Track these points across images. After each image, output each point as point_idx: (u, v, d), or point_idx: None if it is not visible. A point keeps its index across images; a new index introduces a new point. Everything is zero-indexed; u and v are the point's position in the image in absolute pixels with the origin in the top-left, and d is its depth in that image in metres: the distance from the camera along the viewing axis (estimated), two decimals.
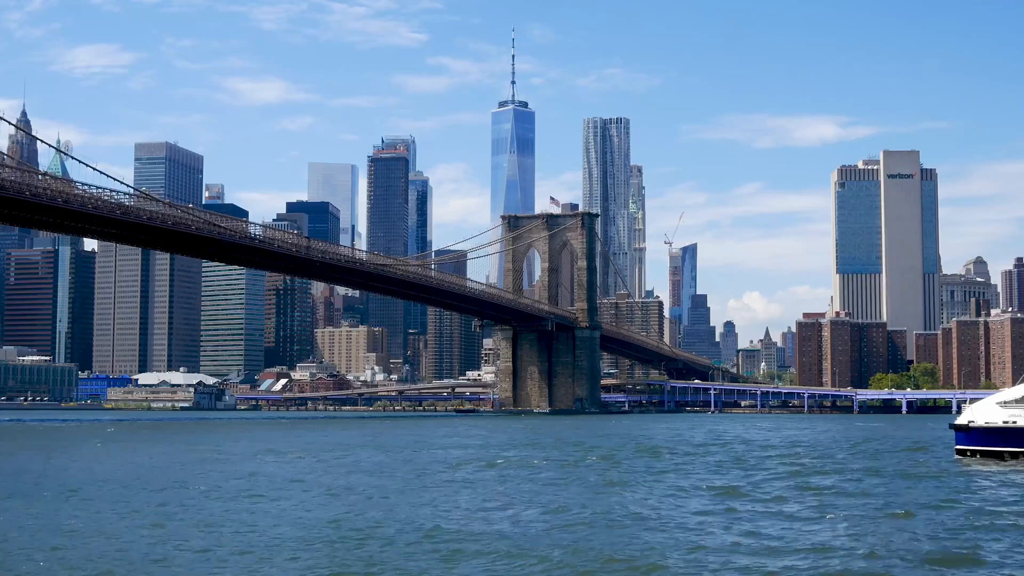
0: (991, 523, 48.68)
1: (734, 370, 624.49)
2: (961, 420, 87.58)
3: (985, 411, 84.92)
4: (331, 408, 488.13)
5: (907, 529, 47.21)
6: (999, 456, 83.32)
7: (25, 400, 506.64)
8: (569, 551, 40.68)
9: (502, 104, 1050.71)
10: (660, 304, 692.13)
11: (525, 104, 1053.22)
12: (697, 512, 52.88)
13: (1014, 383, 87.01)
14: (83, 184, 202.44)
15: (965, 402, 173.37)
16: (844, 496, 62.12)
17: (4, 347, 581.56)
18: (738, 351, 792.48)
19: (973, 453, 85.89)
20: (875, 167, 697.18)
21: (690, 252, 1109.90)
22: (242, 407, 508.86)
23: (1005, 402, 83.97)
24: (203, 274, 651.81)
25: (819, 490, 64.63)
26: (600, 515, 51.44)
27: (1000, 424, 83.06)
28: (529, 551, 40.67)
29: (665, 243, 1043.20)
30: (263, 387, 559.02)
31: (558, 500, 58.56)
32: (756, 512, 53.07)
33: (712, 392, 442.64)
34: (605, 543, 42.47)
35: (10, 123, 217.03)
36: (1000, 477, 72.15)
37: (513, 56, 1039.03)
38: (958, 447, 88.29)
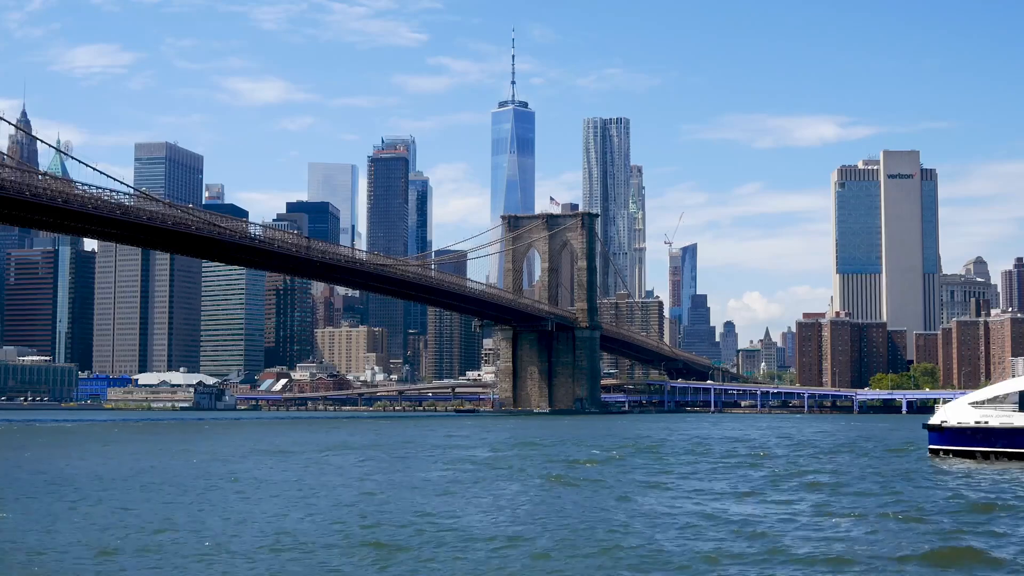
0: (949, 523, 48.94)
1: (734, 370, 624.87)
2: (934, 420, 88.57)
3: (958, 411, 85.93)
4: (331, 408, 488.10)
5: (872, 528, 47.43)
6: (971, 456, 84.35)
7: (25, 400, 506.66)
8: (572, 552, 40.72)
9: (502, 104, 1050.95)
10: (660, 304, 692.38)
11: (525, 104, 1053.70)
12: (676, 511, 52.94)
13: None
14: (83, 184, 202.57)
15: (937, 401, 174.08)
16: (805, 493, 62.70)
17: (4, 347, 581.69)
18: (738, 351, 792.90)
19: (946, 453, 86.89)
20: (875, 167, 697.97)
21: (690, 252, 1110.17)
22: (242, 407, 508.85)
23: (977, 402, 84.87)
24: (203, 274, 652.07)
25: (794, 487, 65.01)
26: (598, 514, 51.49)
27: (972, 424, 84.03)
28: (532, 552, 40.69)
29: (665, 243, 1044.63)
30: (263, 387, 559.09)
31: (560, 499, 58.61)
32: (745, 511, 53.18)
33: (712, 392, 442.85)
34: (603, 542, 42.50)
35: (10, 123, 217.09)
36: (967, 477, 72.57)
37: (513, 56, 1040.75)
38: (931, 447, 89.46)
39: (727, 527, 47.09)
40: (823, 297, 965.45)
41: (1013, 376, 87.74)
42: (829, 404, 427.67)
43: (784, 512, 53.05)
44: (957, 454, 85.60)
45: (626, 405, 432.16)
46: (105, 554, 39.87)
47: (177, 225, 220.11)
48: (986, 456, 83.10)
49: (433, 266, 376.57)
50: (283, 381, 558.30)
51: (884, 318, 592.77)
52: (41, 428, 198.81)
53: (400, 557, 39.52)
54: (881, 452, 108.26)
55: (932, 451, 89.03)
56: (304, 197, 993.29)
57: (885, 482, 70.55)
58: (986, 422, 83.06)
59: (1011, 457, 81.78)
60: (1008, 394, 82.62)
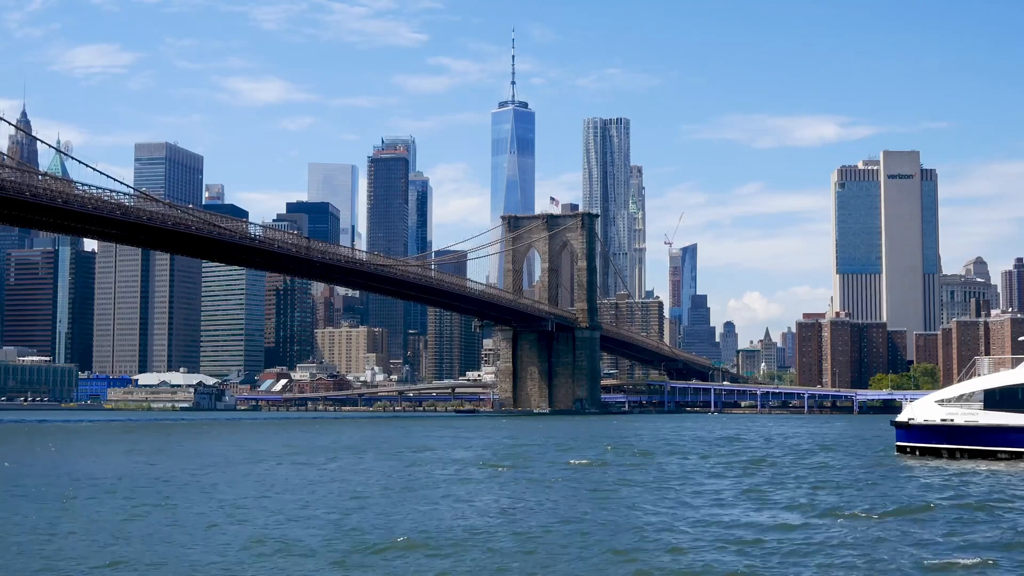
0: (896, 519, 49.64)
1: (734, 370, 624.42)
2: (901, 417, 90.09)
3: (924, 409, 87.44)
4: (331, 408, 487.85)
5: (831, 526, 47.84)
6: (937, 453, 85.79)
7: (25, 400, 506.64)
8: (565, 558, 40.70)
9: (502, 104, 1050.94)
10: (660, 304, 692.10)
11: (525, 104, 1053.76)
12: (669, 514, 52.96)
13: None
14: (83, 184, 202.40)
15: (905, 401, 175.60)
16: (761, 492, 63.45)
17: (4, 347, 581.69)
18: (738, 351, 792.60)
19: (912, 450, 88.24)
20: (875, 167, 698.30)
21: (690, 252, 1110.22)
22: (242, 407, 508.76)
23: (943, 400, 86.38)
24: (203, 274, 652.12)
25: (769, 486, 65.36)
26: (590, 517, 51.48)
27: (938, 422, 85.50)
28: (531, 555, 40.65)
29: (665, 243, 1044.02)
30: (263, 387, 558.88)
31: (556, 501, 58.57)
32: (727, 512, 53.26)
33: (712, 392, 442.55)
34: (595, 547, 42.50)
35: (10, 123, 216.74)
36: (929, 473, 73.65)
37: (513, 56, 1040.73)
38: (898, 443, 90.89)
39: (719, 531, 47.02)
40: (823, 297, 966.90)
41: (979, 375, 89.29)
42: (829, 404, 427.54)
43: (761, 512, 53.23)
44: (923, 451, 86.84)
45: (626, 405, 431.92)
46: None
47: (177, 225, 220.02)
48: (951, 454, 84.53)
49: (433, 266, 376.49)
50: (283, 381, 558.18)
51: (884, 318, 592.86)
52: (69, 428, 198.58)
53: (386, 560, 39.47)
54: (863, 452, 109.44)
55: (899, 448, 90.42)
56: (304, 197, 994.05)
57: (852, 480, 71.99)
58: (951, 420, 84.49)
59: (974, 455, 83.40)
60: (974, 392, 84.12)
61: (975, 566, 38.00)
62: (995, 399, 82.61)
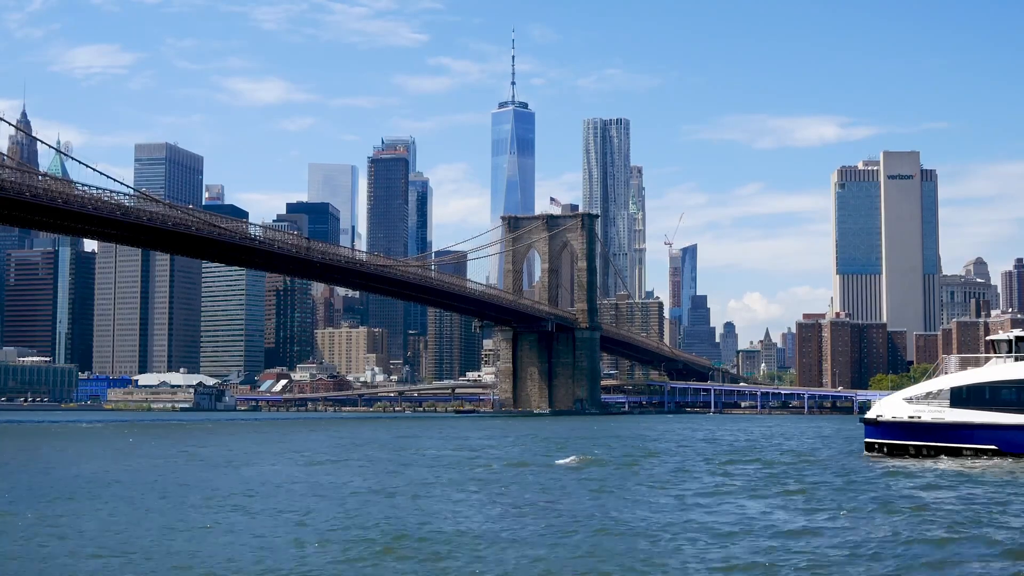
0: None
1: (734, 371, 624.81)
2: (871, 414, 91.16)
3: (893, 406, 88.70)
4: (331, 409, 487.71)
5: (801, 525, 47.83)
6: (904, 450, 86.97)
7: (25, 401, 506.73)
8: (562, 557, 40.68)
9: (502, 105, 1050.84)
10: (660, 305, 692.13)
11: (525, 105, 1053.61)
12: (651, 515, 52.94)
13: None
14: (83, 185, 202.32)
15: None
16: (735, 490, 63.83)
17: (4, 348, 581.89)
18: (738, 352, 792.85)
19: (881, 447, 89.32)
20: (875, 168, 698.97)
21: (690, 253, 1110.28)
22: (242, 408, 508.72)
23: (911, 398, 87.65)
24: (203, 274, 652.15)
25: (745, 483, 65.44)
26: (580, 517, 51.45)
27: (906, 419, 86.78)
28: (520, 555, 40.63)
29: (665, 244, 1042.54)
30: (263, 388, 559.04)
31: (556, 503, 58.55)
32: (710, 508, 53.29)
33: (712, 393, 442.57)
34: (583, 550, 42.51)
35: (10, 123, 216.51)
36: (894, 470, 74.70)
37: (513, 56, 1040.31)
38: (867, 440, 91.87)
39: (702, 529, 47.02)
40: (823, 298, 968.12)
41: (946, 373, 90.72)
42: (829, 405, 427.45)
43: (741, 510, 53.31)
44: (891, 448, 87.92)
45: (626, 406, 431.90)
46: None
47: (177, 226, 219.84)
48: (918, 450, 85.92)
49: (433, 267, 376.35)
50: (283, 382, 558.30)
51: (884, 319, 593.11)
52: (69, 429, 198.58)
53: (382, 560, 39.48)
54: (836, 448, 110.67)
55: (867, 444, 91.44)
56: (304, 198, 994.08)
57: (821, 478, 73.00)
58: (919, 417, 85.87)
59: (939, 451, 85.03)
60: (941, 390, 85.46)
61: (957, 563, 38.28)
62: (961, 397, 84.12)
